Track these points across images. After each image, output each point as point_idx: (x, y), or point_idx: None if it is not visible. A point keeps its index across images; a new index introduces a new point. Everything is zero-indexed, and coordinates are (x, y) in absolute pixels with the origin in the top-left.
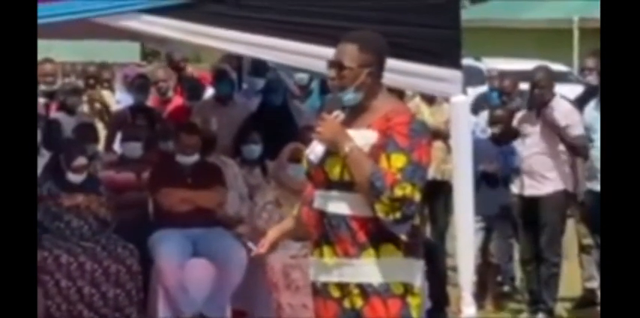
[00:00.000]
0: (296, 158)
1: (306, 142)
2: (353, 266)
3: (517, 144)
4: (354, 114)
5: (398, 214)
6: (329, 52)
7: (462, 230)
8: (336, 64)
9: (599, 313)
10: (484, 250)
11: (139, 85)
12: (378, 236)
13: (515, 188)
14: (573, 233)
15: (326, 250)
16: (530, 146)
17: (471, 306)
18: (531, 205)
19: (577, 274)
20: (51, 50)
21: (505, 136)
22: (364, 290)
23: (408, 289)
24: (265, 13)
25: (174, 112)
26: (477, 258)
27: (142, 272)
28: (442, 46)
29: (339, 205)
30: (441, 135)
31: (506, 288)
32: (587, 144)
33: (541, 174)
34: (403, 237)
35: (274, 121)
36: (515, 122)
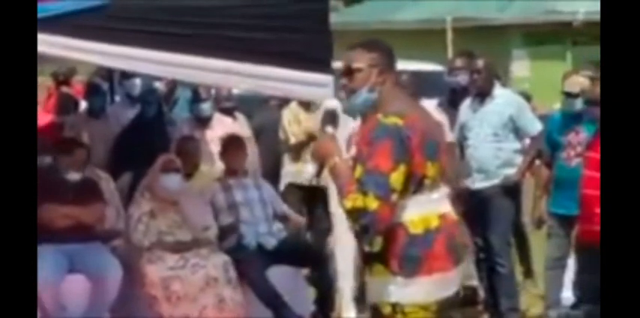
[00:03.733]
0: (169, 169)
1: (182, 152)
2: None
3: None
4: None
5: (356, 226)
6: (195, 60)
7: (341, 235)
8: (344, 70)
9: (480, 311)
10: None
11: None
12: (369, 255)
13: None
14: None
15: None
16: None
17: (350, 310)
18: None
19: None
20: None
21: None
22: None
23: (397, 309)
24: (131, 24)
25: (45, 128)
26: (357, 261)
27: None
28: (313, 50)
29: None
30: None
31: None
32: (462, 142)
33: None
34: (366, 248)
35: (149, 132)
36: None
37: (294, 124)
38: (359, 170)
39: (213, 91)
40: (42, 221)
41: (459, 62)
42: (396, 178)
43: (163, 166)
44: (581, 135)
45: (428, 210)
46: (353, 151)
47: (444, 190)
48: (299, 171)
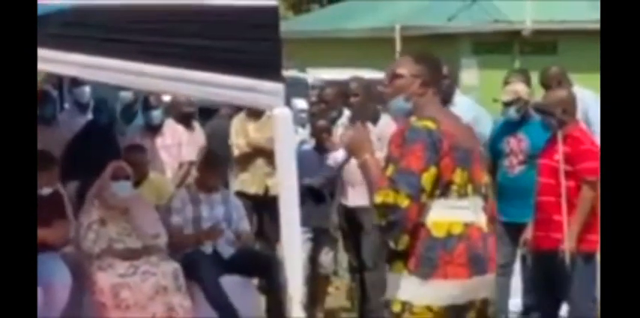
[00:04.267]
0: (119, 176)
1: (130, 160)
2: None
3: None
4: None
5: (383, 221)
6: (150, 68)
7: (289, 242)
8: (389, 74)
9: None
10: (313, 261)
11: None
12: (393, 250)
13: (339, 199)
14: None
15: None
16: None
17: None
18: (354, 214)
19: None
20: None
21: (326, 147)
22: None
23: (406, 308)
24: (87, 31)
25: None
26: (307, 269)
27: None
28: (262, 58)
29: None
30: (265, 151)
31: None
32: None
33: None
34: (391, 245)
35: (99, 140)
36: (339, 133)
37: (240, 135)
38: (390, 169)
39: (167, 98)
40: None
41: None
42: (427, 178)
43: (113, 173)
44: (523, 143)
45: (453, 216)
46: (384, 152)
47: (474, 201)
48: (246, 180)
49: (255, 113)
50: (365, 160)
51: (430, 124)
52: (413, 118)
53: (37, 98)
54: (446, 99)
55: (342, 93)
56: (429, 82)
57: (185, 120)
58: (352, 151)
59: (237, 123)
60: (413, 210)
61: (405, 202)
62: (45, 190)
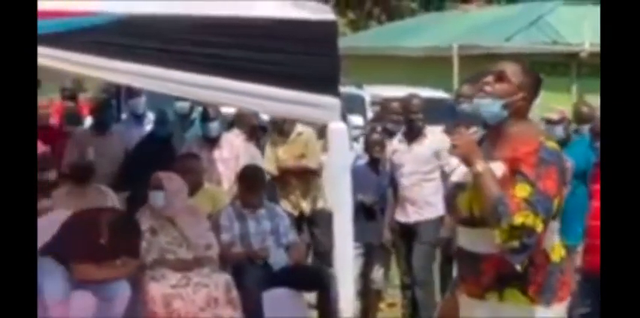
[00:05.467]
0: (152, 186)
1: (184, 169)
2: (476, 307)
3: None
4: (492, 139)
5: (516, 243)
6: (210, 80)
7: (342, 257)
8: (497, 73)
9: None
10: (365, 276)
11: None
12: (504, 278)
13: (397, 216)
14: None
15: (461, 286)
16: (408, 175)
17: None
18: (410, 230)
19: None
20: None
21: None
22: None
23: None
24: (146, 41)
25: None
26: (358, 284)
27: None
28: (320, 73)
29: (467, 241)
30: (294, 172)
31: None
32: None
33: (423, 200)
34: (518, 267)
35: (158, 151)
36: (389, 149)
37: (270, 161)
38: (527, 190)
39: (227, 110)
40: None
41: (465, 89)
42: (557, 203)
43: (151, 183)
44: (567, 163)
45: (556, 238)
46: (498, 169)
47: None
48: (284, 204)
49: (284, 134)
50: (483, 171)
51: (557, 146)
52: (541, 137)
53: (36, 102)
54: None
55: (406, 109)
56: (529, 99)
57: (250, 132)
58: (464, 161)
59: (267, 150)
60: (542, 235)
61: (540, 227)
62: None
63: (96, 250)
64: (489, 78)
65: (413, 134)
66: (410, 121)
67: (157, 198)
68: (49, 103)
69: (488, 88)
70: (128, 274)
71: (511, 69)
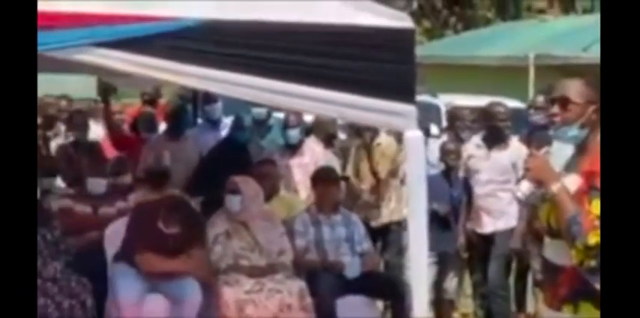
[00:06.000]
0: (229, 190)
1: (260, 174)
2: None
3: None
4: (576, 152)
5: (593, 263)
6: (287, 86)
7: (416, 266)
8: (561, 100)
9: None
10: (438, 286)
11: (78, 120)
12: (580, 291)
13: (470, 224)
14: None
15: (542, 297)
16: (484, 183)
17: None
18: (486, 240)
19: None
20: None
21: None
22: None
23: None
24: (226, 47)
25: (124, 147)
26: (431, 293)
27: (96, 306)
28: (397, 80)
29: (548, 251)
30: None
31: None
32: None
33: (499, 210)
34: (597, 286)
35: (235, 157)
36: (464, 154)
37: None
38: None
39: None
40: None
41: (540, 100)
42: None
43: (227, 187)
44: None
45: None
46: (574, 183)
47: None
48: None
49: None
50: (558, 191)
51: None
52: None
53: (36, 106)
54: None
55: (489, 116)
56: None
57: (327, 140)
58: (539, 180)
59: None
60: None
61: None
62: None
63: (158, 239)
64: (555, 109)
65: (494, 141)
66: (492, 128)
67: (233, 202)
68: (122, 109)
69: (557, 119)
70: (195, 269)
71: (574, 90)
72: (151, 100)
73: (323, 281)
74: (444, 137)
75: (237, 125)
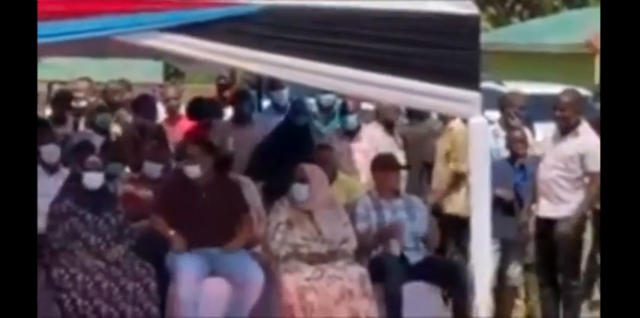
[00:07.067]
0: (296, 178)
1: (318, 161)
2: None
3: (531, 164)
4: None
5: None
6: (352, 73)
7: (479, 252)
8: None
9: None
10: (501, 272)
11: (144, 105)
12: None
13: (536, 210)
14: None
15: None
16: (549, 168)
17: None
18: (547, 227)
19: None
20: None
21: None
22: None
23: None
24: (289, 32)
25: (190, 132)
26: (494, 280)
27: (160, 290)
28: (462, 67)
29: None
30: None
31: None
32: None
33: (558, 196)
34: None
35: (295, 142)
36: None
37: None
38: None
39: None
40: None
41: None
42: None
43: (296, 175)
44: None
45: None
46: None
47: None
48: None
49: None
50: None
51: None
52: None
53: (36, 99)
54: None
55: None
56: None
57: (387, 126)
58: None
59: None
60: None
61: None
62: (193, 169)
63: (196, 210)
64: None
65: (562, 130)
66: (560, 118)
67: (301, 191)
68: (179, 94)
69: None
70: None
71: None
72: (227, 85)
73: (388, 267)
74: (495, 125)
75: (295, 109)
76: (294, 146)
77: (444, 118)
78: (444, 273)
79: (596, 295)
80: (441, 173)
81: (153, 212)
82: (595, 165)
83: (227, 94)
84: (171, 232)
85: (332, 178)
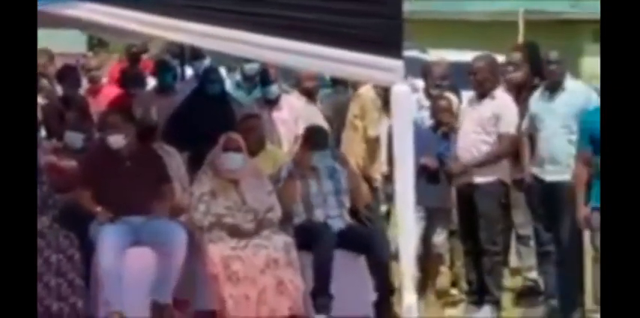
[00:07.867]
0: (230, 147)
1: (245, 129)
2: None
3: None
4: None
5: None
6: (274, 41)
7: (403, 220)
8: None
9: (541, 302)
10: (425, 240)
11: (69, 75)
12: None
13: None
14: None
15: None
16: (468, 133)
17: (412, 295)
18: (467, 194)
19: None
20: None
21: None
22: None
23: None
24: (211, 2)
25: (113, 102)
26: (419, 248)
27: (84, 261)
28: (384, 35)
29: None
30: None
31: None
32: (533, 132)
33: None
34: None
35: (210, 110)
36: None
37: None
38: None
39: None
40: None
41: (515, 57)
42: None
43: (224, 144)
44: None
45: None
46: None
47: None
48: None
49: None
50: None
51: None
52: None
53: (36, 88)
54: (555, 84)
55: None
56: None
57: (308, 94)
58: None
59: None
60: None
61: None
62: (116, 139)
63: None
64: None
65: (478, 95)
66: (475, 83)
67: (234, 160)
68: (101, 64)
69: None
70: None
71: None
72: (137, 54)
73: (316, 234)
74: (420, 93)
75: (207, 78)
76: (211, 116)
77: (355, 85)
78: (360, 241)
79: (513, 263)
80: (349, 138)
81: (78, 184)
82: (507, 126)
83: (142, 62)
84: (98, 208)
85: (260, 147)
